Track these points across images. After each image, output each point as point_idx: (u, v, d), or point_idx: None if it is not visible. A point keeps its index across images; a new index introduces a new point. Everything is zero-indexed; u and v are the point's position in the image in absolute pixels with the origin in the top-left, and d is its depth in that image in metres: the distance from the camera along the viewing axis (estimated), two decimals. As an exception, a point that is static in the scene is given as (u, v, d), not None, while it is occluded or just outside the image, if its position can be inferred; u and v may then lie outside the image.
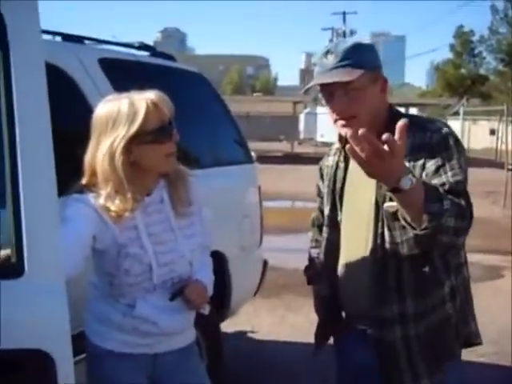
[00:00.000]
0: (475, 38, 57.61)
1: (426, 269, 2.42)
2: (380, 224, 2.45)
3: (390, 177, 2.01)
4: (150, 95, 2.46)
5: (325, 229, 2.76)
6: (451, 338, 2.50)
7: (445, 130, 2.41)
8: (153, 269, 2.51)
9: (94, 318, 2.66)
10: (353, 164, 2.53)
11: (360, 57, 2.42)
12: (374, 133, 2.27)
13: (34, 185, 1.76)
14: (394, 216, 2.28)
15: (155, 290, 2.55)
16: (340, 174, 2.68)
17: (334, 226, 2.71)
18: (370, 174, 2.02)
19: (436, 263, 2.43)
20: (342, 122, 2.46)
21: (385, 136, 1.91)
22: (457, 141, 2.41)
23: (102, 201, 2.43)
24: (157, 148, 2.46)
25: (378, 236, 2.46)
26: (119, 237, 2.47)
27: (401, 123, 1.96)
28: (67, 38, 3.96)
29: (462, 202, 2.20)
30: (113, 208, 2.43)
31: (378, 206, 2.45)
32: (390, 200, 2.20)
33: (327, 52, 2.45)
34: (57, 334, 1.76)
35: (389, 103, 2.55)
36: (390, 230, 2.42)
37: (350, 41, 2.51)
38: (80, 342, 2.48)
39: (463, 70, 58.04)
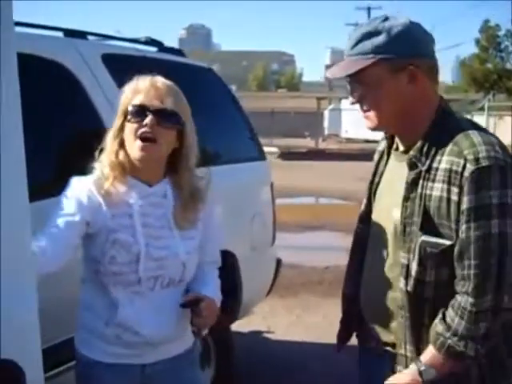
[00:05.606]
0: (501, 33, 56.98)
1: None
2: (405, 250, 2.16)
3: None
4: (150, 77, 2.45)
5: (357, 221, 2.52)
6: None
7: (482, 154, 1.98)
8: (140, 260, 2.39)
9: (81, 325, 2.56)
10: (392, 160, 2.33)
11: (373, 44, 2.11)
12: (411, 135, 2.17)
13: (3, 189, 1.68)
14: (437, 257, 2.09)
15: (140, 284, 2.41)
16: (381, 166, 2.39)
17: (367, 221, 2.44)
18: None
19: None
20: (362, 114, 2.23)
21: None
22: (501, 172, 1.97)
23: (96, 179, 2.41)
24: (129, 127, 2.39)
25: (400, 262, 2.18)
26: (111, 221, 2.39)
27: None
28: (69, 33, 3.88)
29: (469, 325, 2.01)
30: (105, 187, 2.39)
31: (403, 225, 2.17)
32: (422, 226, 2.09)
33: (348, 37, 2.22)
34: (26, 343, 1.68)
35: (437, 98, 2.20)
36: (420, 264, 2.11)
37: (368, 25, 2.16)
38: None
39: (489, 65, 57.23)
